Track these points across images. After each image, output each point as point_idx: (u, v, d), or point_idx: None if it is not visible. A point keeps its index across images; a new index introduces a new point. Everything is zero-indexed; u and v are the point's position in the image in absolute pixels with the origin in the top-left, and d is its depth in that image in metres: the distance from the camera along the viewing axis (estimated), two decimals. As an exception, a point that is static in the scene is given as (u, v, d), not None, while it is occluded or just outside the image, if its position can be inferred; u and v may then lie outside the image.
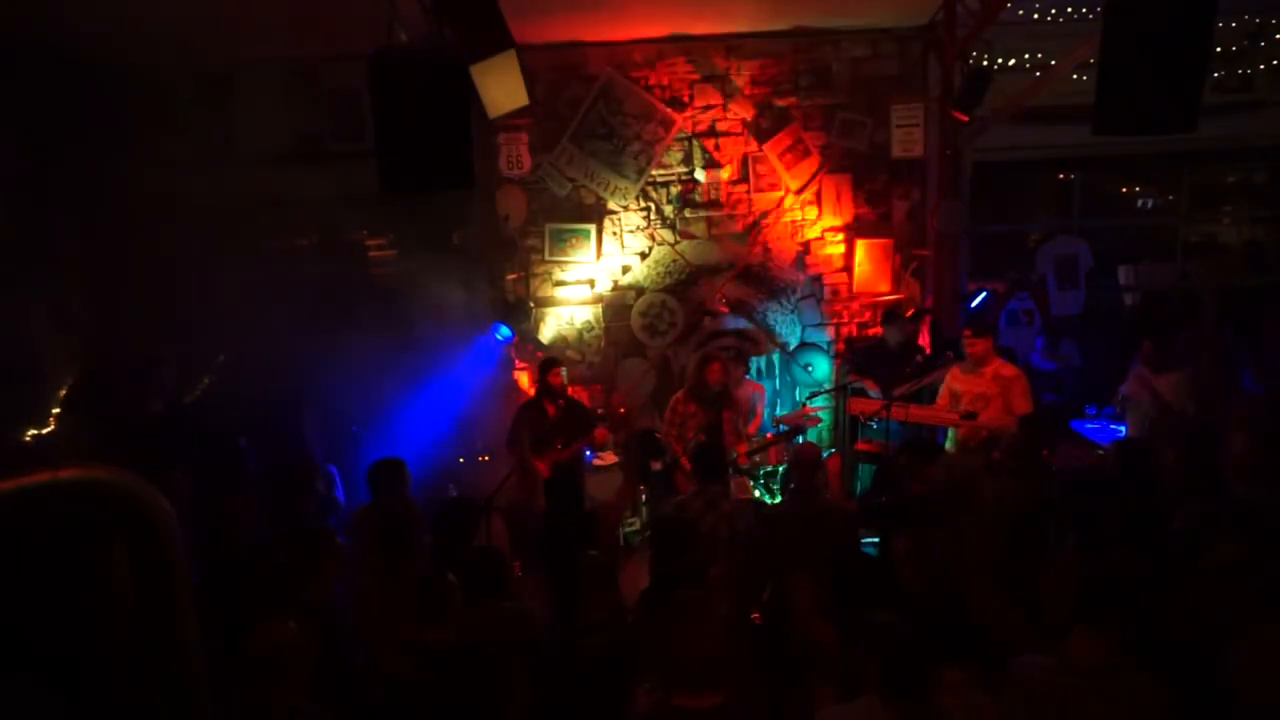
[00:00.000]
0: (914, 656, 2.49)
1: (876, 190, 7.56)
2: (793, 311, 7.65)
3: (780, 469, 6.43)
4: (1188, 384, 5.64)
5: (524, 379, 7.50)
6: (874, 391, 6.39)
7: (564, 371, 6.24)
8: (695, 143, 7.44)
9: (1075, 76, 5.94)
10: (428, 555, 4.07)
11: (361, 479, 4.72)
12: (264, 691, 2.71)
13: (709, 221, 7.56)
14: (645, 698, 2.97)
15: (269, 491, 4.63)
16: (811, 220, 7.57)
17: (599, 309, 7.62)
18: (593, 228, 7.49)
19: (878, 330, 7.56)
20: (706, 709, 2.63)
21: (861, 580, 3.52)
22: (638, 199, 7.50)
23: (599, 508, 4.53)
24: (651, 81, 7.35)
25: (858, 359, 7.05)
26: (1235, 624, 2.63)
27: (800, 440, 6.68)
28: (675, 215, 7.54)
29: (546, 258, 7.54)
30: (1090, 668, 2.49)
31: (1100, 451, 5.77)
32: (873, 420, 6.09)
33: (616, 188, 7.44)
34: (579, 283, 7.60)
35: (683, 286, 7.57)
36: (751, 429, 6.52)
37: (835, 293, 7.68)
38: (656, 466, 6.58)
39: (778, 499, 6.30)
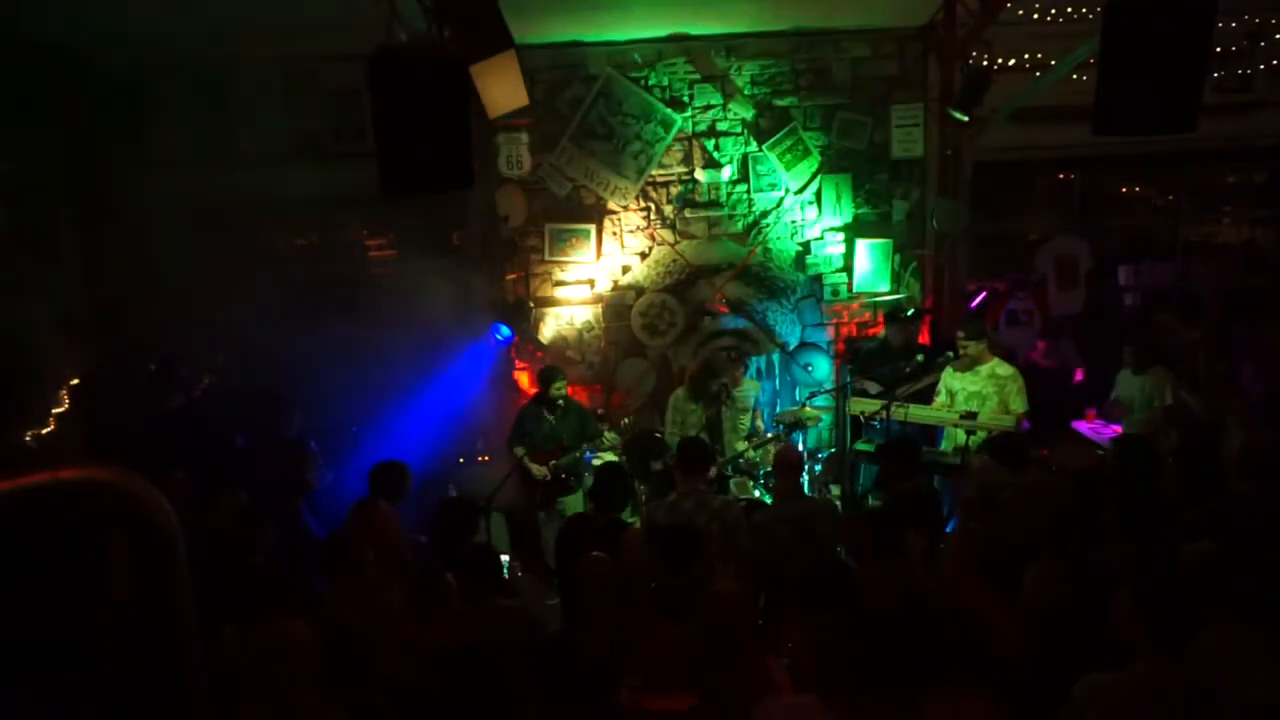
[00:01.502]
0: (852, 658, 2.45)
1: (876, 190, 7.56)
2: (793, 311, 7.65)
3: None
4: (1171, 382, 5.66)
5: (524, 379, 7.50)
6: (873, 389, 6.37)
7: (560, 384, 6.22)
8: (695, 143, 7.44)
9: (1075, 76, 5.94)
10: (406, 561, 4.06)
11: (359, 478, 4.71)
12: (272, 689, 2.71)
13: (709, 221, 7.56)
14: (628, 698, 2.97)
15: (267, 491, 4.63)
16: (811, 220, 7.57)
17: (599, 309, 7.61)
18: (593, 228, 7.49)
19: (878, 330, 7.57)
20: (677, 712, 2.62)
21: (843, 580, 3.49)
22: (638, 199, 7.49)
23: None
24: (651, 81, 7.35)
25: (859, 360, 7.05)
26: (1204, 619, 2.62)
27: (799, 439, 6.70)
28: (675, 215, 7.53)
29: (546, 258, 7.54)
30: (1171, 689, 2.44)
31: (1100, 451, 5.78)
32: (874, 420, 6.10)
33: (616, 188, 7.44)
34: (579, 283, 7.60)
35: (683, 286, 7.57)
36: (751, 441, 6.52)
37: (835, 293, 7.68)
38: (656, 466, 6.58)
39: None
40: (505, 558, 4.97)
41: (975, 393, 5.73)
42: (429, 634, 3.23)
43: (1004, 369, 5.73)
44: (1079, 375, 6.77)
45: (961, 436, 5.77)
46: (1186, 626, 2.51)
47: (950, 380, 5.91)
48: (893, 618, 2.77)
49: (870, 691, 2.43)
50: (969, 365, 5.76)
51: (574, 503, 6.26)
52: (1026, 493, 4.08)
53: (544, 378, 6.26)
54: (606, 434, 6.43)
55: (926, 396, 6.20)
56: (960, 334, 5.87)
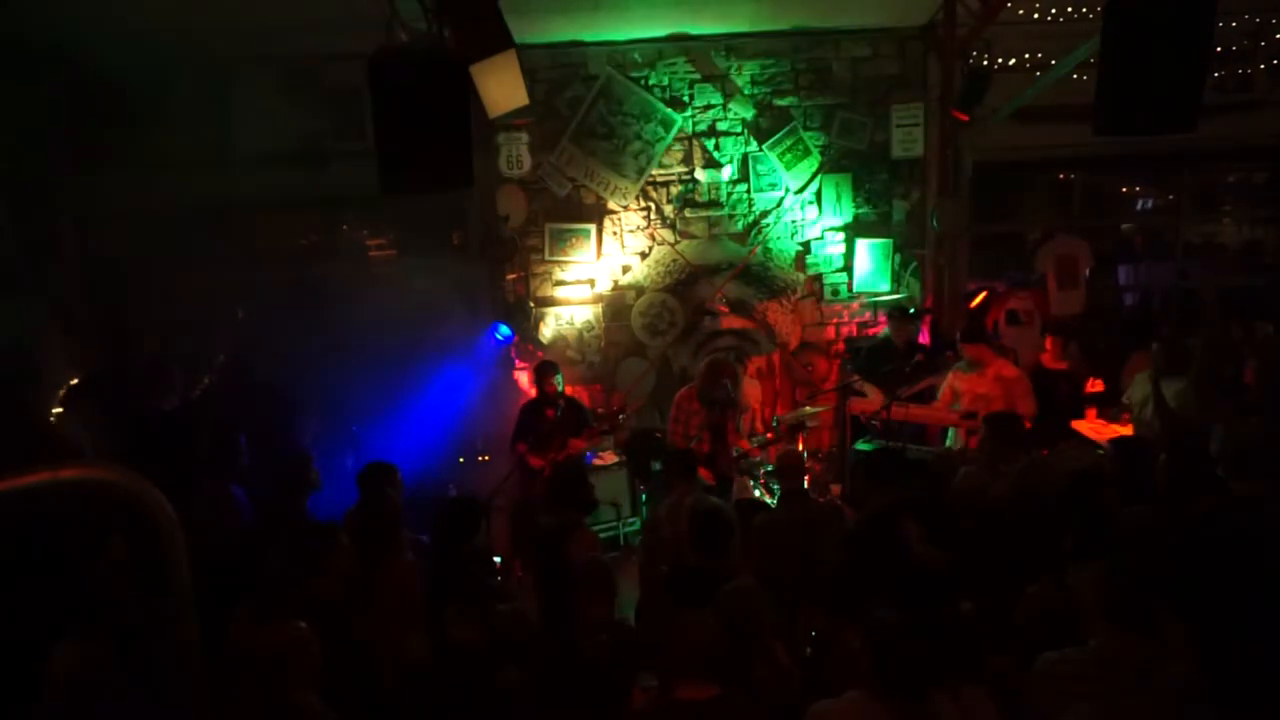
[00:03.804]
0: (910, 654, 2.49)
1: (876, 190, 7.57)
2: (793, 311, 7.65)
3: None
4: (1191, 389, 5.62)
5: (524, 379, 7.50)
6: (869, 391, 6.36)
7: (558, 378, 6.23)
8: (695, 143, 7.44)
9: (1075, 76, 5.94)
10: (406, 556, 4.07)
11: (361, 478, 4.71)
12: (274, 690, 2.71)
13: (709, 221, 7.56)
14: (641, 695, 2.97)
15: (267, 488, 4.64)
16: (811, 220, 7.57)
17: (599, 309, 7.61)
18: (593, 228, 7.49)
19: (878, 330, 7.58)
20: (704, 700, 2.65)
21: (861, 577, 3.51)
22: (638, 199, 7.50)
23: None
24: (651, 81, 7.35)
25: (860, 361, 7.04)
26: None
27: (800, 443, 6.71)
28: (675, 215, 7.54)
29: (546, 258, 7.54)
30: (1123, 662, 2.53)
31: (1100, 451, 5.77)
32: (873, 420, 6.10)
33: (616, 188, 7.44)
34: (579, 283, 7.60)
35: (683, 286, 7.57)
36: (746, 427, 6.53)
37: (835, 293, 7.69)
38: (656, 466, 6.57)
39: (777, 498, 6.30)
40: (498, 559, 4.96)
41: (981, 394, 5.72)
42: (458, 628, 3.25)
43: (1010, 370, 5.73)
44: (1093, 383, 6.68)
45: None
46: (1140, 602, 2.57)
47: (957, 381, 5.91)
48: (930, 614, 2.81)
49: (919, 687, 2.47)
50: (975, 366, 5.76)
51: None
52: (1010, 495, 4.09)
53: (540, 373, 6.26)
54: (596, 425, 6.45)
55: (927, 396, 6.19)
56: (959, 335, 5.90)
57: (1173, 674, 2.51)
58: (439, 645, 3.27)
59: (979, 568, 3.55)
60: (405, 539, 4.08)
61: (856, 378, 6.53)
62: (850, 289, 7.66)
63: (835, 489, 7.03)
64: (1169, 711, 2.46)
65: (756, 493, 6.30)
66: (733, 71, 7.36)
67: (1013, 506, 3.97)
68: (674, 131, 7.38)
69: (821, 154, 7.45)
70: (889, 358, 6.59)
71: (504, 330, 7.14)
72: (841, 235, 7.58)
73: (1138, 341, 6.78)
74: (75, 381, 6.19)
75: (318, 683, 2.81)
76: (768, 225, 7.54)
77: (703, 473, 5.72)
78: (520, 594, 5.02)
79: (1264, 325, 6.60)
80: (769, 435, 6.58)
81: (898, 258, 7.59)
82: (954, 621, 2.89)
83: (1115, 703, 2.47)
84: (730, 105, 7.40)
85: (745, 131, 7.43)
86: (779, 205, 7.53)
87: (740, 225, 7.56)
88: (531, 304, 7.56)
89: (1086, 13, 7.02)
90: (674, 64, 7.35)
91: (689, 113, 7.39)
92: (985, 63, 7.09)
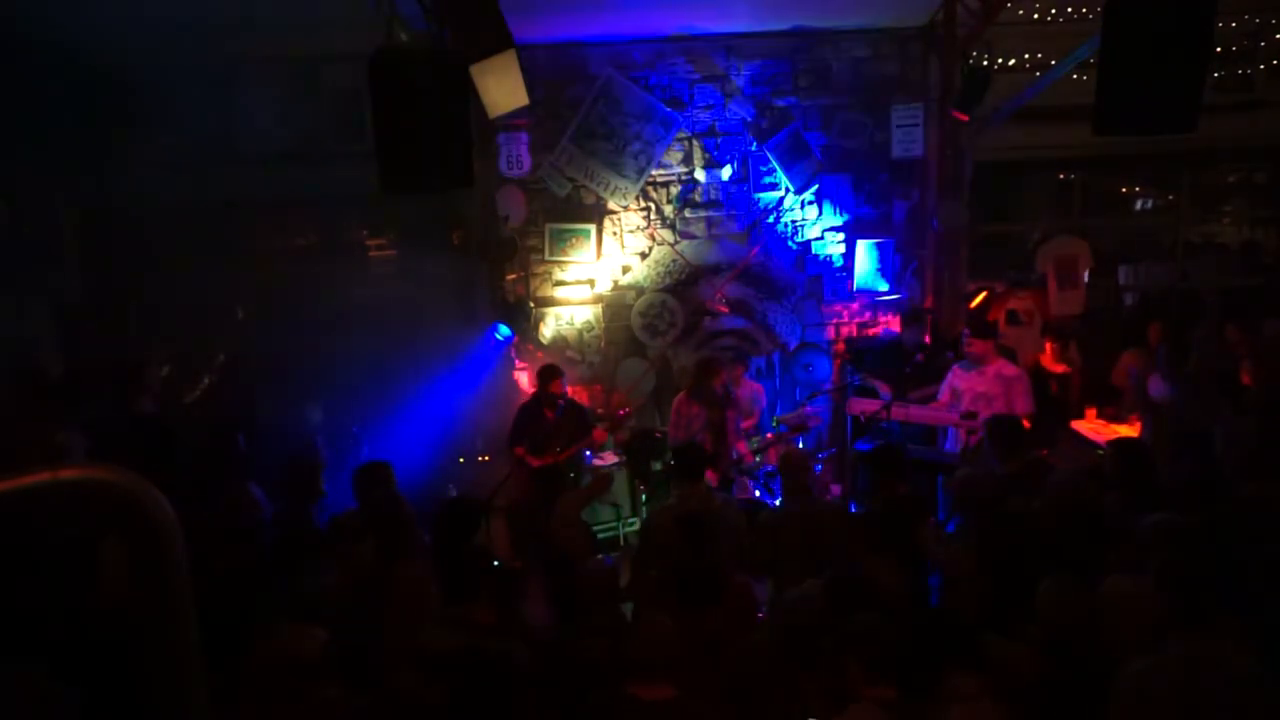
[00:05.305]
0: (908, 658, 2.49)
1: (876, 190, 7.56)
2: (793, 311, 7.65)
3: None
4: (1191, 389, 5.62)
5: (524, 379, 7.50)
6: (885, 393, 6.35)
7: (564, 380, 6.24)
8: (695, 143, 7.44)
9: (1075, 76, 5.95)
10: (423, 553, 4.07)
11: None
12: (301, 685, 2.72)
13: (709, 221, 7.56)
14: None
15: (271, 488, 4.63)
16: (811, 220, 7.57)
17: (599, 309, 7.61)
18: (593, 228, 7.48)
19: (878, 330, 7.58)
20: (658, 701, 2.65)
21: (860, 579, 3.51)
22: (638, 199, 7.49)
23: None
24: (651, 81, 7.35)
25: (870, 360, 7.04)
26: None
27: (800, 442, 6.71)
28: (675, 215, 7.53)
29: (546, 258, 7.53)
30: (1203, 662, 2.52)
31: (1100, 452, 5.78)
32: (877, 420, 6.08)
33: (616, 188, 7.44)
34: (579, 283, 7.59)
35: (683, 286, 7.57)
36: (747, 424, 6.52)
37: (835, 293, 7.68)
38: (656, 466, 6.58)
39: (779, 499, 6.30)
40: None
41: (981, 393, 5.72)
42: (473, 613, 3.26)
43: (1010, 369, 5.73)
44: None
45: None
46: (1208, 604, 2.57)
47: (957, 380, 5.91)
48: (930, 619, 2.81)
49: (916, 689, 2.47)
50: (976, 364, 5.76)
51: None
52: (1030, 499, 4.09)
53: (543, 376, 6.26)
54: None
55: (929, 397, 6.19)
56: (967, 331, 5.89)
57: (1244, 669, 2.52)
58: (456, 632, 3.28)
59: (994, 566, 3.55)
60: (420, 540, 4.06)
61: (864, 375, 6.52)
62: (850, 289, 7.66)
63: (835, 489, 7.05)
64: (1257, 705, 2.46)
65: (757, 493, 6.30)
66: (733, 71, 7.36)
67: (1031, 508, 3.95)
68: (674, 131, 7.38)
69: (821, 154, 7.45)
70: (899, 358, 6.58)
71: (504, 330, 7.13)
72: (841, 235, 7.58)
73: (1136, 340, 6.78)
74: (59, 384, 6.19)
75: (339, 679, 2.82)
76: (768, 225, 7.54)
77: (708, 474, 5.74)
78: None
79: (1272, 324, 6.57)
80: (769, 436, 6.58)
81: (898, 258, 7.58)
82: (949, 621, 2.88)
83: (1208, 703, 2.46)
84: (730, 105, 7.40)
85: (745, 131, 7.43)
86: (779, 205, 7.53)
87: (740, 225, 7.55)
88: (531, 304, 7.55)
89: (1086, 13, 7.03)
90: (674, 64, 7.35)
91: (689, 113, 7.39)
92: (985, 63, 7.09)
